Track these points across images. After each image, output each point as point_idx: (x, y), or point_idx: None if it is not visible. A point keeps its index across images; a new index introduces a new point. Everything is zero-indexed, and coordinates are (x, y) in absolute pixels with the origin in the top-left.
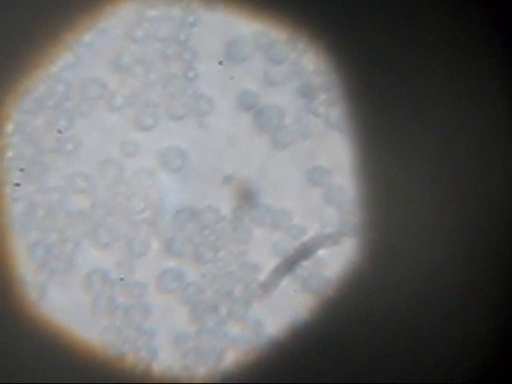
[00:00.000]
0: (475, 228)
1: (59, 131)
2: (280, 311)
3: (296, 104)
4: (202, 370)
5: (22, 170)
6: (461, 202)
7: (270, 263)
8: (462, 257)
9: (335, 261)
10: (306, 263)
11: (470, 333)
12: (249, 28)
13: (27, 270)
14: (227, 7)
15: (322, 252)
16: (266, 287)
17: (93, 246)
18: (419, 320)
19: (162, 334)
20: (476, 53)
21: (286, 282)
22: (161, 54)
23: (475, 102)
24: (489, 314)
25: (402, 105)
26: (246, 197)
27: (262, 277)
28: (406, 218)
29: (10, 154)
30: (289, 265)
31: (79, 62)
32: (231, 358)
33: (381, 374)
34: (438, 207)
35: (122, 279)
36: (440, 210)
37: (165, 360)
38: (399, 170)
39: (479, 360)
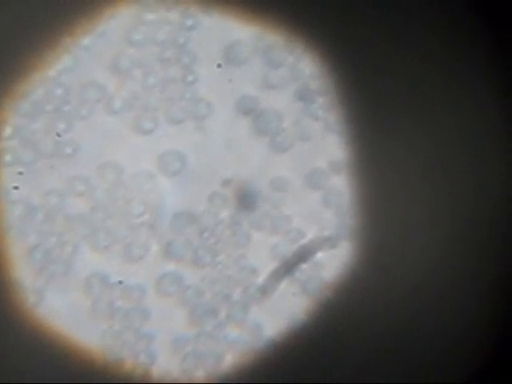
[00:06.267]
0: (471, 231)
1: (58, 135)
2: (279, 314)
3: (294, 107)
4: (201, 374)
5: (20, 173)
6: (456, 205)
7: (269, 266)
8: (457, 259)
9: (333, 264)
10: (304, 266)
11: (465, 334)
12: (247, 32)
13: (26, 273)
14: (225, 11)
15: (320, 255)
16: (265, 290)
17: (92, 250)
18: (415, 321)
19: (160, 337)
20: (472, 57)
21: (284, 285)
22: (159, 57)
23: (471, 105)
24: (484, 316)
25: (399, 108)
26: (245, 200)
27: (261, 280)
28: (404, 221)
29: (8, 157)
30: (287, 268)
31: (78, 65)
32: (230, 361)
33: (378, 375)
34: (434, 211)
35: (120, 283)
36: (436, 214)
37: (164, 363)
38: (395, 174)
39: (474, 360)
